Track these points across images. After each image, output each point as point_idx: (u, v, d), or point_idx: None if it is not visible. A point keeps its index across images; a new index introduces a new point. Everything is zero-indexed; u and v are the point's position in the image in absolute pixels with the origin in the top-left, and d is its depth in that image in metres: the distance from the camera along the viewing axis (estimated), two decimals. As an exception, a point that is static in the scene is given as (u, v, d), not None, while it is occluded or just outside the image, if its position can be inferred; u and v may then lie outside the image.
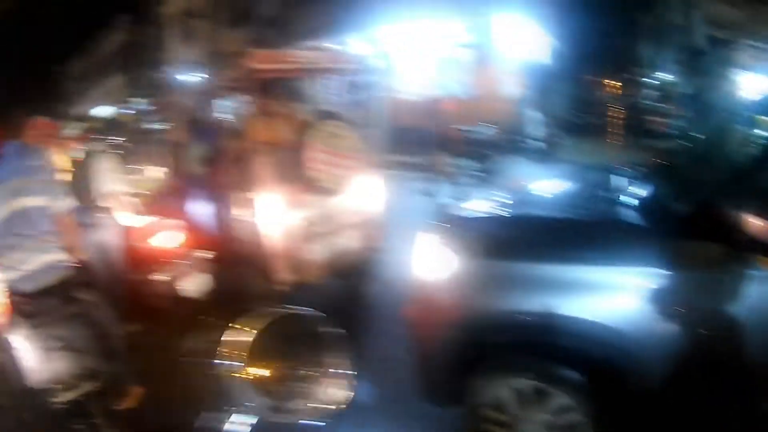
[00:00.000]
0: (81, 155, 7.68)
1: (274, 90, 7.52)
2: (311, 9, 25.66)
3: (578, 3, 19.41)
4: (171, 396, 5.37)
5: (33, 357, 4.11)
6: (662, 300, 3.61)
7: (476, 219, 5.30)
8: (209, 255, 7.49)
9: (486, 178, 15.89)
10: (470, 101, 20.81)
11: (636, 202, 5.06)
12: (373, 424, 4.66)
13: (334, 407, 2.95)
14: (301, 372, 2.91)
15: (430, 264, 4.62)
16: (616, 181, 5.77)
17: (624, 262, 3.86)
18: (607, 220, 4.96)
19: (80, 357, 4.17)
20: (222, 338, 2.99)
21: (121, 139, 8.05)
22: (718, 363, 3.65)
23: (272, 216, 6.85)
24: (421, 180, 16.17)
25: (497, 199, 5.76)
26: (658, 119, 19.06)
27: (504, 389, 3.97)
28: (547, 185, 6.39)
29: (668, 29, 20.62)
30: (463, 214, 5.66)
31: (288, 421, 2.88)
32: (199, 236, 7.90)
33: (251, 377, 2.79)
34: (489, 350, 4.15)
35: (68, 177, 4.85)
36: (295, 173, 7.12)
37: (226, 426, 3.05)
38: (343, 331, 3.05)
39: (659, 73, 21.21)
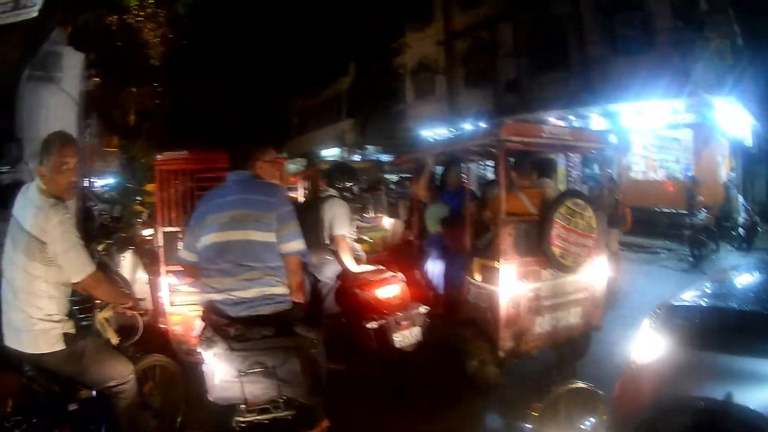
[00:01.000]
0: (304, 195, 7.89)
1: (523, 161, 7.71)
2: (550, 78, 25.70)
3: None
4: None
5: (220, 375, 4.28)
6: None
7: (685, 307, 5.22)
8: (426, 310, 7.67)
9: (696, 264, 15.82)
10: (688, 182, 20.50)
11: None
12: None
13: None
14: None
15: (642, 346, 5.00)
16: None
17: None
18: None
19: (279, 385, 4.26)
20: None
21: (350, 185, 8.08)
22: None
23: (507, 284, 6.95)
24: (645, 262, 16.12)
25: (705, 288, 5.70)
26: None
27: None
28: (748, 276, 6.38)
29: None
30: (676, 301, 5.37)
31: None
32: (423, 292, 8.36)
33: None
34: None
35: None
36: (534, 246, 7.19)
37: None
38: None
39: None
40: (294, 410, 4.28)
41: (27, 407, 4.35)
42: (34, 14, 7.86)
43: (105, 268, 6.78)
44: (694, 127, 22.02)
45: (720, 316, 4.95)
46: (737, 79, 20.61)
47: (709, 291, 5.65)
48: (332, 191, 8.01)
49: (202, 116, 33.88)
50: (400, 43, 38.31)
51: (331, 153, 43.69)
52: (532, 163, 7.91)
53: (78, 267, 4.36)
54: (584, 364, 8.04)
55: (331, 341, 5.85)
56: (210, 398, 4.36)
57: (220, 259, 4.54)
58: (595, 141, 8.54)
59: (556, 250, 7.17)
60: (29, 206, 4.35)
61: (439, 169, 9.99)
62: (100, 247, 8.26)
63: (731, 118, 22.14)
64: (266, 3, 39.52)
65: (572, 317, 7.68)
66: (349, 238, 8.04)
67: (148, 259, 9.19)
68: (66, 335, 4.39)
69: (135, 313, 5.08)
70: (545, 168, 8.34)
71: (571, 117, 22.50)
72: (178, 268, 7.24)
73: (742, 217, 19.10)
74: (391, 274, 7.84)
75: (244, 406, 4.29)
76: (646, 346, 5.01)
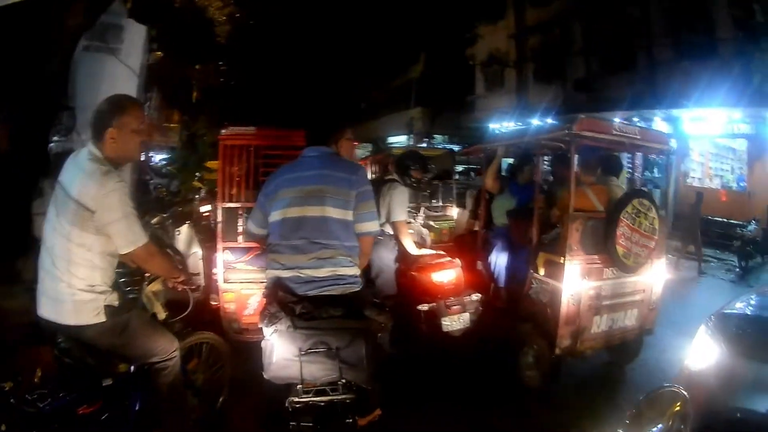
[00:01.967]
0: (371, 178, 7.86)
1: (591, 157, 7.53)
2: (617, 79, 25.63)
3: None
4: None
5: (280, 353, 4.17)
6: None
7: (738, 315, 5.19)
8: (479, 297, 7.91)
9: (742, 275, 15.71)
10: (741, 194, 20.61)
11: None
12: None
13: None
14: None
15: (696, 352, 5.02)
16: None
17: None
18: None
19: (341, 367, 4.16)
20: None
21: (419, 172, 8.05)
22: None
23: (571, 281, 6.85)
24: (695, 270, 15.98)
25: (758, 298, 5.64)
26: None
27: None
28: None
29: None
30: (729, 309, 5.35)
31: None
32: (482, 281, 8.42)
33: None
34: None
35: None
36: (599, 244, 7.07)
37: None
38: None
39: None
40: (352, 394, 4.21)
41: (55, 380, 4.21)
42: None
43: (158, 241, 6.92)
44: (750, 138, 21.81)
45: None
46: None
47: (759, 302, 5.57)
48: (395, 176, 8.03)
49: (267, 97, 33.90)
50: (471, 34, 38.21)
51: (398, 140, 43.31)
52: (599, 160, 7.77)
53: (129, 237, 4.15)
54: (633, 368, 7.98)
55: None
56: (265, 376, 4.23)
57: (293, 235, 4.45)
58: (662, 143, 8.38)
59: (620, 250, 7.03)
60: (78, 173, 4.16)
61: (507, 162, 10.06)
62: (154, 220, 8.29)
63: None
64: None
65: (628, 319, 7.55)
66: (415, 223, 8.42)
67: (204, 234, 9.26)
68: (108, 307, 4.22)
69: (186, 288, 4.95)
70: (612, 165, 8.17)
71: (635, 119, 22.13)
72: (235, 244, 7.85)
73: None
74: (448, 259, 8.03)
75: (300, 386, 4.17)
76: (700, 353, 4.98)
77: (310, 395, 4.18)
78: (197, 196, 14.33)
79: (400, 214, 7.82)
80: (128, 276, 4.91)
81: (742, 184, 21.96)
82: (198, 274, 8.09)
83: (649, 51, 24.46)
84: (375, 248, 6.60)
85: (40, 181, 6.83)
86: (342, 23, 36.83)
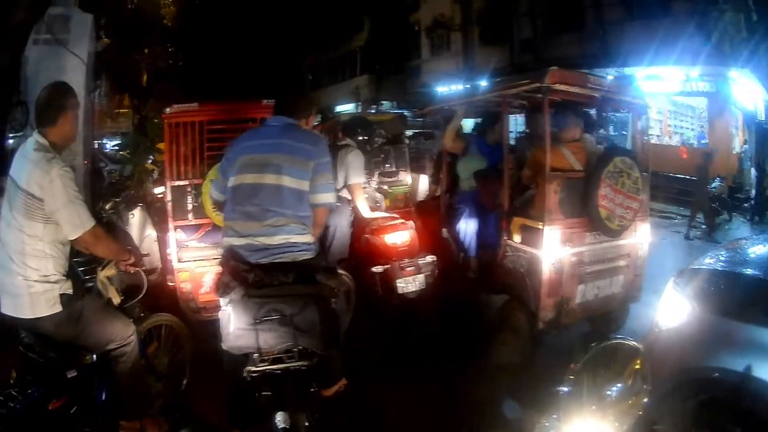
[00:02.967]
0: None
1: (567, 112, 7.10)
2: (565, 39, 25.99)
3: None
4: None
5: (236, 322, 4.06)
6: None
7: (707, 271, 4.98)
8: (434, 259, 7.96)
9: (708, 231, 16.09)
10: (701, 150, 20.52)
11: None
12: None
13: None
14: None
15: (665, 311, 4.91)
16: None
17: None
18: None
19: (295, 334, 4.05)
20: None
21: (367, 137, 8.28)
22: None
23: (551, 248, 6.47)
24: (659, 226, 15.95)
25: (726, 254, 5.50)
26: None
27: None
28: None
29: None
30: (698, 265, 5.16)
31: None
32: (446, 249, 8.65)
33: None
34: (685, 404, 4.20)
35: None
36: (579, 207, 6.71)
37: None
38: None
39: None
40: (308, 361, 4.15)
41: (23, 377, 4.22)
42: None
43: (111, 226, 7.09)
44: (709, 96, 22.33)
45: (743, 283, 4.75)
46: (751, 53, 20.36)
47: (730, 257, 5.43)
48: (350, 141, 8.02)
49: (215, 74, 34.02)
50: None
51: (345, 108, 43.62)
52: (578, 115, 7.27)
53: (75, 222, 4.16)
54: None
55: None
56: (223, 347, 4.14)
57: (248, 202, 4.36)
58: (637, 97, 8.07)
59: (603, 212, 6.63)
60: (25, 163, 4.18)
61: (474, 121, 9.76)
62: (107, 206, 8.31)
63: (745, 90, 22.14)
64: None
65: (614, 286, 7.19)
66: (369, 188, 8.34)
67: (159, 216, 9.03)
68: (63, 296, 4.22)
69: (139, 270, 4.97)
70: (586, 122, 7.68)
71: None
72: (186, 222, 7.77)
73: (754, 190, 19.18)
74: (401, 221, 8.14)
75: (257, 355, 4.10)
76: (669, 311, 4.90)
77: (267, 363, 4.12)
78: (150, 178, 13.90)
79: (358, 176, 7.84)
80: (85, 264, 5.00)
81: (703, 142, 22.55)
82: (148, 254, 7.86)
83: (599, 10, 24.84)
84: (331, 214, 6.49)
85: (-3, 177, 6.60)
86: None
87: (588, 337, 7.62)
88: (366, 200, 8.20)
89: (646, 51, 20.75)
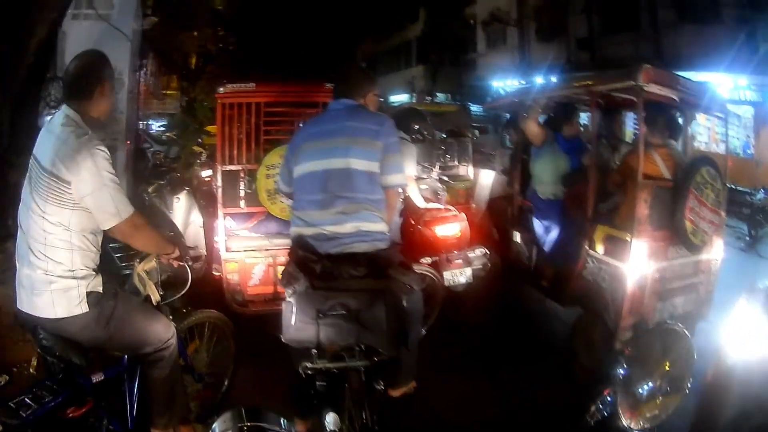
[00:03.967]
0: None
1: (659, 116, 6.67)
2: (620, 39, 25.82)
3: None
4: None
5: (298, 315, 3.80)
6: None
7: None
8: (483, 252, 7.94)
9: (752, 244, 15.51)
10: (748, 161, 20.58)
11: None
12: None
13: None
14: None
15: (742, 334, 4.33)
16: None
17: None
18: None
19: (359, 331, 3.78)
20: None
21: (420, 128, 8.06)
22: None
23: (639, 262, 6.00)
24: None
25: None
26: None
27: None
28: None
29: None
30: None
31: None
32: (510, 253, 8.62)
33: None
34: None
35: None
36: (666, 219, 6.24)
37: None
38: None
39: None
40: (369, 361, 3.83)
41: (39, 383, 3.70)
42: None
43: (153, 211, 6.98)
44: (756, 105, 21.86)
45: None
46: None
47: None
48: (401, 133, 7.52)
49: (267, 60, 33.98)
50: None
51: (400, 99, 43.27)
52: (668, 119, 6.86)
53: (110, 210, 3.64)
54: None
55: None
56: (283, 339, 3.90)
57: (316, 189, 4.23)
58: (722, 103, 7.80)
59: (688, 225, 6.18)
60: (51, 140, 3.67)
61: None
62: (150, 188, 8.33)
63: None
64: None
65: (687, 304, 6.71)
66: (430, 178, 8.49)
67: (206, 201, 8.79)
68: (91, 295, 3.70)
69: (184, 263, 4.50)
70: (675, 127, 7.25)
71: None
72: (237, 210, 7.57)
73: None
74: (453, 213, 8.07)
75: (315, 351, 3.78)
76: (741, 331, 4.34)
77: (325, 361, 3.81)
78: (198, 161, 13.77)
79: (409, 168, 7.33)
80: (121, 251, 4.66)
81: (748, 152, 22.10)
82: (195, 247, 7.71)
83: (653, 11, 24.40)
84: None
85: (29, 158, 6.32)
86: None
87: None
88: (419, 191, 7.98)
89: (696, 56, 20.34)
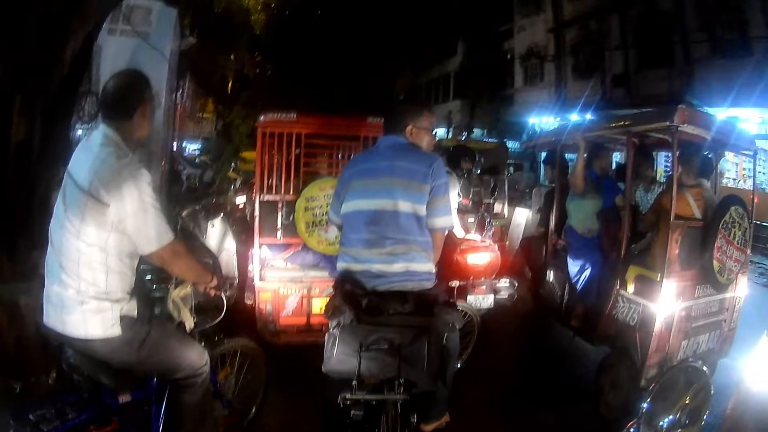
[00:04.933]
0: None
1: (697, 155, 6.75)
2: (654, 75, 25.89)
3: None
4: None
5: (342, 346, 3.86)
6: None
7: None
8: (509, 282, 8.40)
9: None
10: None
11: None
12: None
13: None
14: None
15: (759, 368, 4.46)
16: None
17: None
18: None
19: (401, 365, 3.80)
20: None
21: (465, 164, 8.46)
22: None
23: (668, 302, 6.03)
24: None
25: None
26: None
27: None
28: None
29: None
30: None
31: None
32: (544, 293, 8.69)
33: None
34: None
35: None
36: (694, 258, 6.29)
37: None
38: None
39: None
40: (408, 395, 3.81)
41: (62, 398, 3.64)
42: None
43: (187, 236, 6.88)
44: None
45: None
46: None
47: None
48: (448, 168, 7.65)
49: (304, 88, 34.05)
50: (509, 26, 39.28)
51: (437, 132, 43.06)
52: (702, 158, 6.92)
53: (151, 235, 3.59)
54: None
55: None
56: (323, 370, 3.95)
57: (365, 229, 4.27)
58: (752, 141, 7.78)
59: (716, 265, 6.24)
60: (90, 159, 3.59)
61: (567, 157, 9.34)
62: (185, 212, 8.15)
63: None
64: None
65: (711, 341, 6.78)
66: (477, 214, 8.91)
67: (240, 227, 8.92)
68: (125, 318, 3.64)
69: (220, 293, 4.43)
70: (704, 166, 7.27)
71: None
72: (273, 240, 7.49)
73: None
74: (487, 244, 8.33)
75: (356, 382, 3.76)
76: (762, 368, 4.47)
77: (365, 392, 3.80)
78: (232, 187, 13.73)
79: (453, 201, 7.50)
80: (154, 273, 4.44)
81: None
82: (231, 277, 7.63)
83: (685, 46, 24.60)
84: None
85: (61, 172, 6.39)
86: (381, 13, 37.31)
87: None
88: (463, 222, 8.39)
89: (727, 91, 20.07)
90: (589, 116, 20.47)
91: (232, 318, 5.33)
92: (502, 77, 41.09)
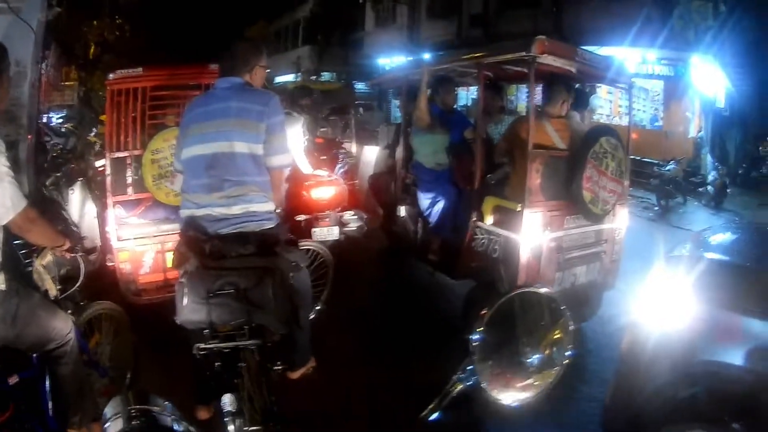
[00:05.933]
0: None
1: (559, 88, 6.65)
2: (518, 15, 25.87)
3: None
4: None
5: (191, 295, 3.75)
6: None
7: (707, 261, 4.58)
8: (355, 215, 8.87)
9: (662, 213, 16.26)
10: (656, 133, 21.26)
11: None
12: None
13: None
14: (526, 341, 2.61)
15: (655, 301, 4.48)
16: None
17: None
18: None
19: (249, 310, 3.76)
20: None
21: (308, 104, 8.95)
22: None
23: (531, 233, 6.01)
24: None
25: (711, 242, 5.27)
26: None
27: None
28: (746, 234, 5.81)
29: None
30: (693, 253, 4.78)
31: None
32: (396, 225, 8.95)
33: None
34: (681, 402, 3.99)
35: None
36: (561, 189, 6.29)
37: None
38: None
39: None
40: (261, 340, 3.83)
41: None
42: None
43: (49, 204, 6.83)
44: (666, 80, 22.50)
45: (738, 273, 4.45)
46: (715, 40, 20.70)
47: (718, 245, 5.22)
48: (293, 111, 8.29)
49: (160, 46, 33.77)
50: None
51: (286, 79, 44.14)
52: (568, 91, 6.76)
53: (6, 204, 3.48)
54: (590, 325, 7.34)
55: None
56: (177, 321, 3.84)
57: (203, 173, 4.17)
58: (624, 74, 7.87)
59: (587, 195, 6.24)
60: None
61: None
62: (48, 181, 8.29)
63: (706, 77, 22.22)
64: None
65: (590, 273, 6.82)
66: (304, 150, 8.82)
67: (100, 191, 8.54)
68: None
69: (76, 255, 4.37)
70: (579, 99, 7.34)
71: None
72: (125, 197, 7.35)
73: (711, 175, 19.08)
74: (332, 179, 8.92)
75: (207, 331, 3.76)
76: (658, 301, 4.46)
77: (217, 341, 3.79)
78: (92, 151, 13.61)
79: (298, 139, 8.21)
80: (25, 247, 4.40)
81: (656, 124, 22.81)
82: (86, 238, 7.11)
83: None
84: None
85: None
86: None
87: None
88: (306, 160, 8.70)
89: (603, 31, 20.44)
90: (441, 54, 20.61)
91: (99, 283, 5.82)
92: (353, 21, 41.45)
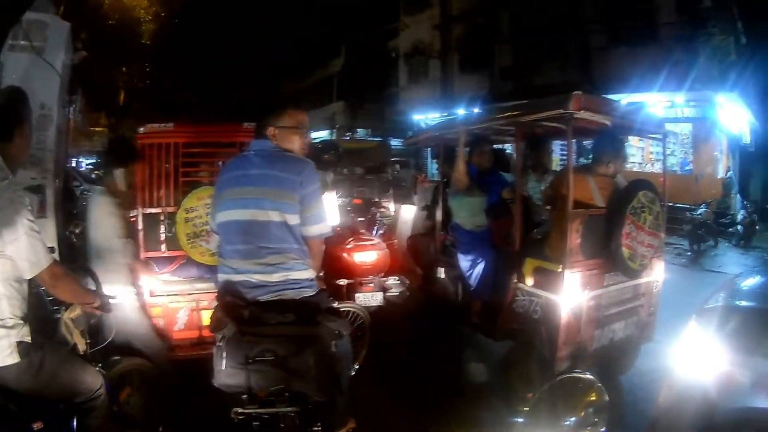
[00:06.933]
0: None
1: (606, 143, 6.63)
2: (547, 67, 25.87)
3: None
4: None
5: (229, 360, 3.81)
6: None
7: (733, 310, 4.71)
8: (398, 281, 8.63)
9: (694, 258, 16.17)
10: (687, 177, 21.09)
11: None
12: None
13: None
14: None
15: (690, 352, 4.57)
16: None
17: None
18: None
19: (288, 377, 3.82)
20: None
21: (329, 158, 9.00)
22: None
23: (571, 293, 5.90)
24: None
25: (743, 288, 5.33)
26: None
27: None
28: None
29: None
30: (721, 303, 4.85)
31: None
32: (447, 289, 8.50)
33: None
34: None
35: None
36: (600, 246, 6.18)
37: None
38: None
39: None
40: (300, 406, 3.90)
41: None
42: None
43: (79, 254, 6.97)
44: (694, 122, 22.43)
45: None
46: (738, 76, 21.07)
47: (749, 292, 5.32)
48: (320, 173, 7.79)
49: (192, 97, 34.00)
50: (394, 25, 39.20)
51: (320, 135, 43.33)
52: (612, 145, 6.67)
53: (32, 259, 3.50)
54: (628, 378, 7.26)
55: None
56: (214, 384, 3.88)
57: (238, 240, 4.14)
58: (659, 125, 7.79)
59: (625, 252, 6.11)
60: None
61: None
62: (77, 230, 8.26)
63: (731, 115, 22.47)
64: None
65: (628, 328, 6.70)
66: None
67: (133, 239, 8.36)
68: (21, 344, 3.53)
69: (105, 312, 4.33)
70: (615, 153, 6.96)
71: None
72: (158, 253, 7.19)
73: (740, 215, 19.29)
74: (375, 242, 8.73)
75: (246, 396, 3.81)
76: (694, 352, 4.58)
77: (255, 406, 3.84)
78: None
79: (330, 199, 8.29)
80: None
81: (687, 168, 22.56)
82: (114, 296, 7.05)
83: (581, 36, 24.88)
84: None
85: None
86: (263, 18, 37.65)
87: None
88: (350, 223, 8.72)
89: (630, 77, 20.45)
90: (476, 111, 20.53)
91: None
92: (386, 76, 41.19)
